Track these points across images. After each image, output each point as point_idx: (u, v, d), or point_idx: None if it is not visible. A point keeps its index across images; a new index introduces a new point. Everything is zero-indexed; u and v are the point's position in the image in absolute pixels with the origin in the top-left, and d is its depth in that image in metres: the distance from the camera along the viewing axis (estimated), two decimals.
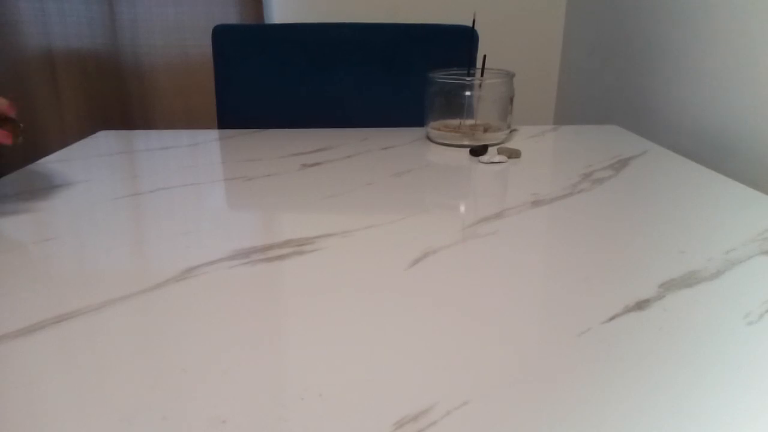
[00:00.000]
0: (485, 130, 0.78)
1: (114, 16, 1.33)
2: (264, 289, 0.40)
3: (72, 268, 0.43)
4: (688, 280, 0.41)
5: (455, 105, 0.79)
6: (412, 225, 0.51)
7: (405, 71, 1.06)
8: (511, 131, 0.83)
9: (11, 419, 0.28)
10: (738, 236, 0.48)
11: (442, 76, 0.78)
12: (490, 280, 0.41)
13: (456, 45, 1.03)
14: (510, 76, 0.79)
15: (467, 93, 0.78)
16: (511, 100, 0.80)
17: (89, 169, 0.69)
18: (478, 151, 0.73)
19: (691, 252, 0.46)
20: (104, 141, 0.82)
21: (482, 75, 0.80)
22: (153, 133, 0.86)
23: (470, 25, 0.86)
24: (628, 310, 0.37)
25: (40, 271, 0.43)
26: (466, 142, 0.77)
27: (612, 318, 0.36)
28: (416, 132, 0.85)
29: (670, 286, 0.40)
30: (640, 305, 0.38)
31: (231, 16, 1.35)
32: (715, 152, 0.84)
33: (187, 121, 1.41)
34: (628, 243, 0.48)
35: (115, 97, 1.39)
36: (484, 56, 0.80)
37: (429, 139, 0.81)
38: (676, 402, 0.29)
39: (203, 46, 1.35)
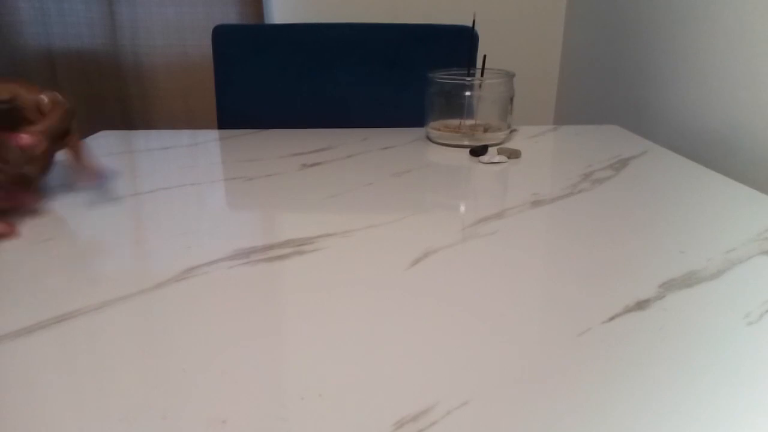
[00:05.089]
0: (485, 130, 0.78)
1: (114, 17, 1.33)
2: (264, 288, 0.40)
3: (72, 268, 0.43)
4: (688, 280, 0.41)
5: (455, 105, 0.78)
6: (413, 225, 0.51)
7: (405, 71, 1.06)
8: (511, 131, 0.83)
9: (11, 419, 0.28)
10: (738, 236, 0.48)
11: (442, 76, 0.78)
12: (491, 280, 0.41)
13: (456, 45, 1.03)
14: (510, 76, 0.79)
15: (467, 93, 0.78)
16: (511, 100, 0.80)
17: None
18: (478, 151, 0.73)
19: (691, 252, 0.46)
20: (104, 141, 0.82)
21: (482, 75, 0.80)
22: (153, 133, 0.86)
23: (470, 25, 0.86)
24: (628, 310, 0.37)
25: (40, 271, 0.43)
26: (466, 142, 0.77)
27: (612, 318, 0.36)
28: (416, 132, 0.85)
29: (670, 286, 0.40)
30: (640, 305, 0.38)
31: (231, 16, 1.35)
32: (715, 152, 0.84)
33: (187, 121, 1.41)
34: (628, 243, 0.48)
35: (115, 97, 1.39)
36: (484, 56, 0.80)
37: (429, 139, 0.81)
38: (676, 402, 0.29)
39: (203, 46, 1.35)
